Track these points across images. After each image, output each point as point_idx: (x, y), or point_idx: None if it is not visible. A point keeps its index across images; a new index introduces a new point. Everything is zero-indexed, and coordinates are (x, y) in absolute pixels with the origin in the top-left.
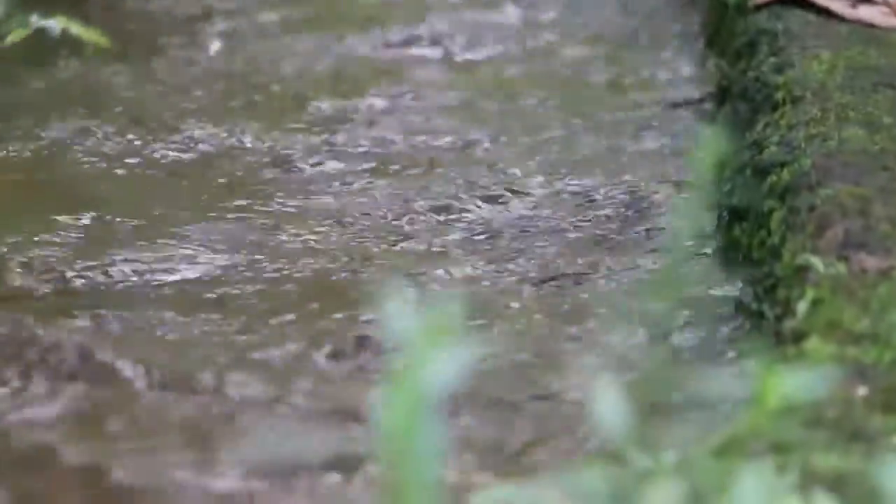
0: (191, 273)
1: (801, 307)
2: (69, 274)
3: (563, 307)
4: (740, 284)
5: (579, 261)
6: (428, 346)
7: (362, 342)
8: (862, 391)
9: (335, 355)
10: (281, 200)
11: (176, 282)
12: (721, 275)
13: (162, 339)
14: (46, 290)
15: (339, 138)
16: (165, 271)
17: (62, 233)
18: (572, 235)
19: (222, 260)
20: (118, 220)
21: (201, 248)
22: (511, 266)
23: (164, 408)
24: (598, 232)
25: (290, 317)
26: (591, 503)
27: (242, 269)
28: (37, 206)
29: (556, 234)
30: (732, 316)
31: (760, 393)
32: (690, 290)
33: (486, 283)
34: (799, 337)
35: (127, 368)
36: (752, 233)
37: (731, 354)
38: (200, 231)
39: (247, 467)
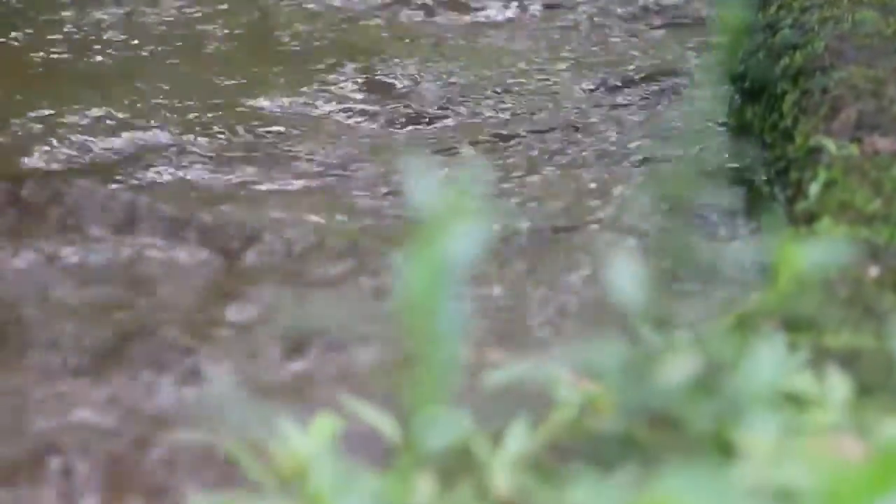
0: None
1: (814, 189)
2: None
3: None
4: (752, 166)
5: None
6: (450, 218)
7: None
8: (873, 271)
9: None
10: None
11: None
12: (733, 157)
13: None
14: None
15: None
16: None
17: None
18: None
19: None
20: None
21: None
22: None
23: None
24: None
25: None
26: (603, 378)
27: None
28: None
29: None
30: (745, 198)
31: (776, 267)
32: (704, 169)
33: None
34: (811, 218)
35: None
36: (764, 115)
37: (743, 233)
38: None
39: None
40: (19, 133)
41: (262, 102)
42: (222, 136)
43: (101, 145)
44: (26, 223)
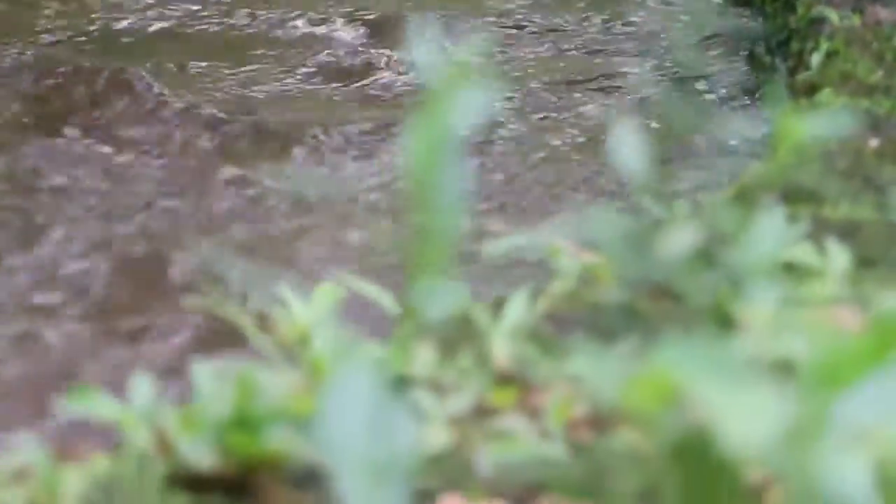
0: None
1: (815, 59)
2: None
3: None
4: (752, 37)
5: None
6: (454, 85)
7: None
8: (874, 142)
9: None
10: None
11: None
12: (733, 27)
13: None
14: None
15: None
16: None
17: None
18: None
19: None
20: None
21: None
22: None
23: None
24: None
25: None
26: (604, 248)
27: None
28: None
29: None
30: (745, 68)
31: (777, 136)
32: (705, 39)
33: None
34: (812, 89)
35: None
36: None
37: (743, 103)
38: None
39: None
40: None
41: None
42: None
43: None
44: None
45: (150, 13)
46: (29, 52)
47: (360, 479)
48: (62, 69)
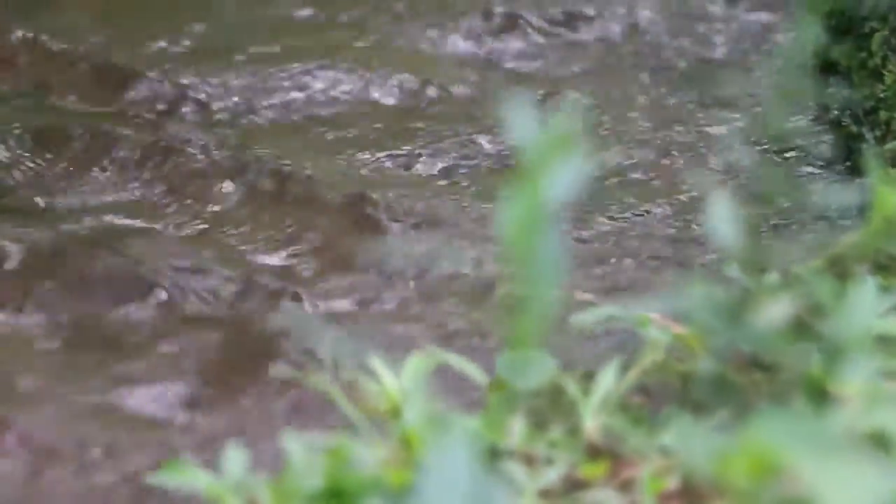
0: None
1: None
2: None
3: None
4: (839, 106)
5: None
6: (549, 157)
7: None
8: None
9: None
10: None
11: None
12: (820, 94)
13: None
14: None
15: None
16: None
17: None
18: None
19: None
20: None
21: None
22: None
23: None
24: None
25: None
26: (695, 319)
27: None
28: None
29: None
30: (831, 136)
31: (869, 209)
32: (792, 109)
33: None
34: None
35: None
36: (851, 54)
37: (832, 173)
38: None
39: None
40: None
41: None
42: None
43: None
44: None
45: None
46: None
47: None
48: None
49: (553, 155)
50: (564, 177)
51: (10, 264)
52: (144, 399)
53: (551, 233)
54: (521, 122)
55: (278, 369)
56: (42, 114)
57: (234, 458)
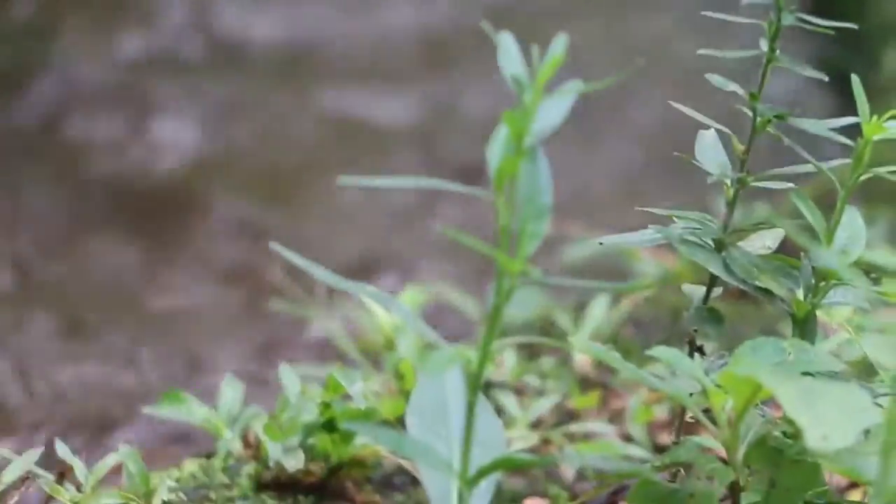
0: None
1: None
2: None
3: None
4: None
5: None
6: (536, 89)
7: None
8: None
9: None
10: None
11: None
12: None
13: None
14: None
15: None
16: None
17: None
18: None
19: None
20: None
21: None
22: None
23: None
24: None
25: None
26: (683, 251)
27: None
28: None
29: None
30: None
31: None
32: None
33: None
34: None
35: None
36: None
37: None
38: None
39: None
40: None
41: None
42: None
43: None
44: None
45: None
46: None
47: (449, 482)
48: None
49: (541, 88)
50: (552, 108)
51: None
52: None
53: (540, 163)
54: (509, 57)
55: (276, 304)
56: None
57: (231, 390)
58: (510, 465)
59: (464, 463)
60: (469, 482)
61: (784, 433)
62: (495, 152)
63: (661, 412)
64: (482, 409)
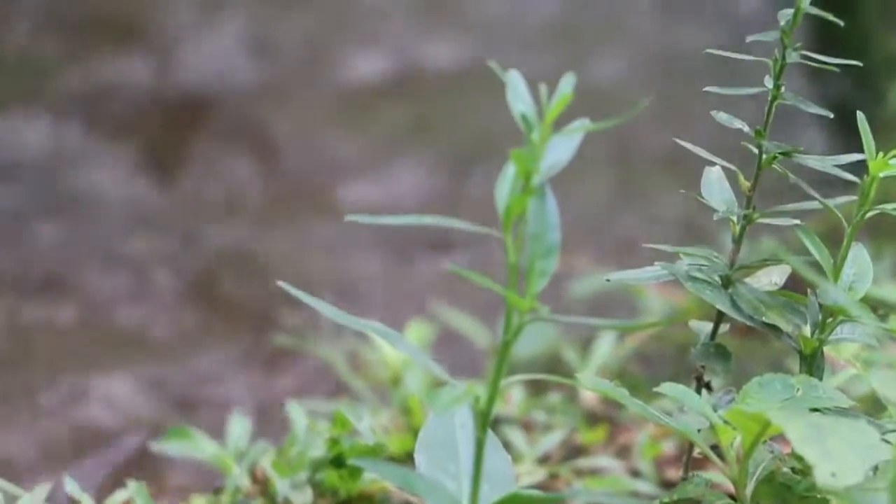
0: None
1: None
2: None
3: None
4: None
5: None
6: (545, 127)
7: None
8: None
9: None
10: None
11: None
12: None
13: None
14: None
15: None
16: None
17: None
18: None
19: None
20: None
21: None
22: None
23: None
24: None
25: None
26: (691, 287)
27: None
28: None
29: None
30: None
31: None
32: None
33: None
34: None
35: None
36: None
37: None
38: None
39: None
40: None
41: None
42: None
43: None
44: None
45: None
46: None
47: None
48: None
49: (549, 126)
50: (561, 146)
51: None
52: None
53: (548, 201)
54: (518, 94)
55: (280, 338)
56: None
57: (238, 425)
58: (519, 502)
59: (473, 500)
60: None
61: (792, 469)
62: (503, 191)
63: (668, 447)
64: (491, 446)
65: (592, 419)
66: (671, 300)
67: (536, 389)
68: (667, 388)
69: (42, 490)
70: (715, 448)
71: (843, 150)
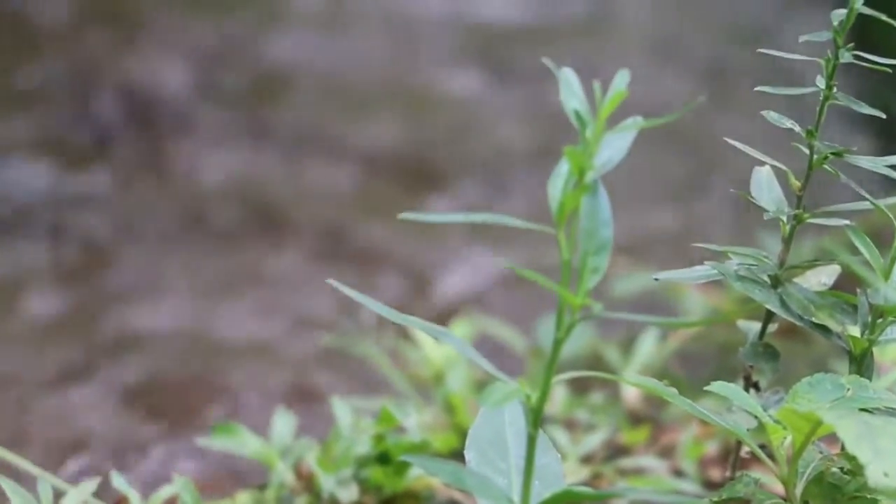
0: None
1: None
2: None
3: None
4: None
5: None
6: (598, 124)
7: None
8: None
9: None
10: None
11: None
12: None
13: None
14: None
15: None
16: None
17: None
18: None
19: None
20: None
21: None
22: None
23: None
24: None
25: None
26: (735, 287)
27: None
28: None
29: None
30: None
31: None
32: None
33: None
34: None
35: None
36: None
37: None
38: None
39: None
40: None
41: None
42: None
43: None
44: None
45: None
46: None
47: None
48: None
49: (602, 123)
50: (614, 143)
51: None
52: None
53: (601, 198)
54: (571, 91)
55: (324, 337)
56: None
57: (284, 422)
58: (571, 499)
59: (525, 496)
60: None
61: (842, 469)
62: (556, 187)
63: (711, 448)
64: (541, 443)
65: (635, 419)
66: (710, 301)
67: (578, 389)
68: (717, 387)
69: (90, 485)
70: (763, 448)
71: (873, 150)
